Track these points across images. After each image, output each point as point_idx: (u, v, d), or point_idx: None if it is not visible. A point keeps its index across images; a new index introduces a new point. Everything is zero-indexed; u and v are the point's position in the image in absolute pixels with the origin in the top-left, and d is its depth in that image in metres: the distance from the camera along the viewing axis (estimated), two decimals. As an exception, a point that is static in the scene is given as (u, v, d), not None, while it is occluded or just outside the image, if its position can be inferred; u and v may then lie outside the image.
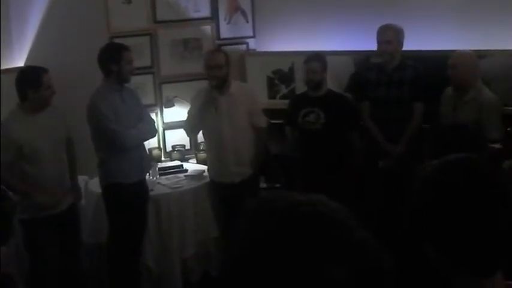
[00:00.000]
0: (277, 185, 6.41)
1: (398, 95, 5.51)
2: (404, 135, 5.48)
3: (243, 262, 1.09)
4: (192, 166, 6.36)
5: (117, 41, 5.74)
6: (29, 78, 4.83)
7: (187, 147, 6.69)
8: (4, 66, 6.08)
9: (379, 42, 5.54)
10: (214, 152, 5.65)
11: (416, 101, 5.48)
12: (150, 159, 5.91)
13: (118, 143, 5.08)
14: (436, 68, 5.44)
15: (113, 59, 5.07)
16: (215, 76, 5.43)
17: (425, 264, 1.59)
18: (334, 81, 6.12)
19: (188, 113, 5.73)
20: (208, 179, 5.86)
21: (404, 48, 5.60)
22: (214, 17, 6.72)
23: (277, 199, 1.15)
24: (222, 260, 1.18)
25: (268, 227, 1.09)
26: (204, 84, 5.80)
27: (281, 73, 6.64)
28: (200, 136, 6.35)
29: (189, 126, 5.80)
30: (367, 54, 5.98)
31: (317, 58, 5.61)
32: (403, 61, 5.55)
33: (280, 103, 6.32)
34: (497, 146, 4.58)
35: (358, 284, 1.05)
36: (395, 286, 1.11)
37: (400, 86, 5.51)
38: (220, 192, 5.62)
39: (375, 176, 5.58)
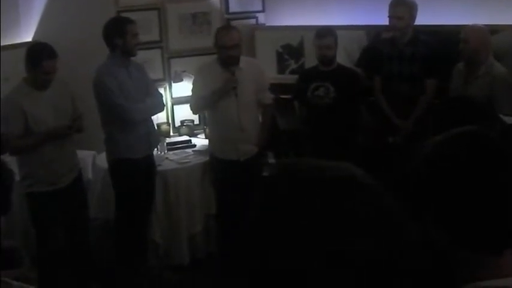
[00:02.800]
0: (286, 160, 6.39)
1: (409, 70, 5.43)
2: (415, 111, 5.41)
3: (262, 231, 1.03)
4: (200, 141, 6.34)
5: (125, 15, 5.69)
6: (42, 49, 4.80)
7: (196, 122, 6.66)
8: (12, 42, 6.07)
9: (390, 17, 5.45)
10: (221, 129, 5.51)
11: (429, 77, 5.40)
12: (157, 134, 5.86)
13: (125, 117, 5.06)
14: (449, 43, 5.36)
15: (118, 33, 5.03)
16: (233, 56, 5.31)
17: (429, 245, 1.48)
18: (346, 56, 6.06)
19: (193, 91, 5.57)
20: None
21: (417, 22, 5.50)
22: (223, -10, 6.67)
23: (300, 163, 1.09)
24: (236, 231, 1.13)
25: (290, 192, 1.03)
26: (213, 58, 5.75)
27: (290, 48, 6.59)
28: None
29: (197, 106, 5.65)
30: (378, 28, 5.90)
31: (330, 33, 5.55)
32: (416, 36, 5.46)
33: (290, 78, 6.27)
34: (510, 121, 4.53)
35: (385, 256, 1.00)
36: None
37: (411, 62, 5.43)
38: (224, 168, 5.51)
39: (384, 152, 5.53)
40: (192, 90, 5.58)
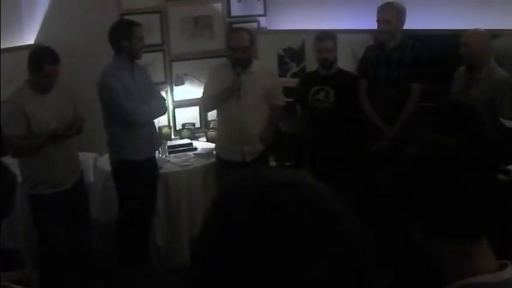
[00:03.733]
0: (287, 163, 6.40)
1: (396, 75, 5.41)
2: (401, 117, 5.40)
3: (209, 252, 0.98)
4: (201, 144, 6.36)
5: (127, 18, 5.72)
6: (45, 54, 4.82)
7: (197, 125, 6.69)
8: (14, 44, 6.10)
9: (378, 21, 5.46)
10: (227, 130, 5.56)
11: (414, 81, 5.38)
12: (160, 136, 5.89)
13: (129, 119, 5.08)
14: (449, 48, 5.37)
15: (124, 35, 5.04)
16: (239, 58, 5.33)
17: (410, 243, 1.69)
18: (352, 59, 6.08)
19: (204, 90, 5.62)
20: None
21: (417, 27, 5.53)
22: (225, -6, 6.69)
23: (253, 178, 1.03)
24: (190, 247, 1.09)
25: (238, 211, 0.97)
26: (215, 61, 5.77)
27: (292, 51, 6.61)
28: (210, 114, 6.34)
29: (206, 106, 5.75)
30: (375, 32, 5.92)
31: (330, 36, 5.57)
32: (403, 41, 5.45)
33: (291, 81, 6.30)
34: (510, 124, 4.55)
35: (337, 282, 0.94)
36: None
37: (398, 66, 5.41)
38: (227, 169, 5.49)
39: (369, 158, 5.51)
40: (204, 89, 5.64)
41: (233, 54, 5.35)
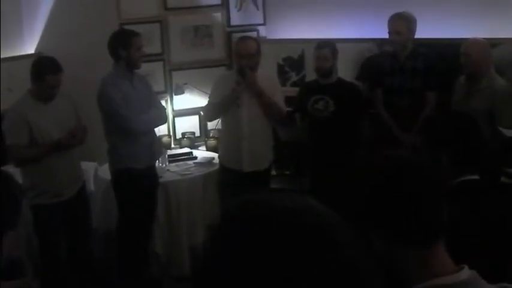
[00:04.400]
0: (287, 172, 6.42)
1: (410, 83, 5.45)
2: (417, 124, 5.41)
3: (213, 276, 0.97)
4: (201, 153, 6.37)
5: (128, 27, 5.73)
6: (47, 64, 4.85)
7: (197, 134, 6.70)
8: (15, 53, 6.12)
9: (389, 32, 5.48)
10: (230, 138, 5.57)
11: (429, 90, 5.43)
12: (160, 145, 5.91)
13: (128, 128, 5.09)
14: (449, 57, 5.40)
15: (123, 45, 5.06)
16: (246, 65, 5.33)
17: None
18: (351, 68, 6.11)
19: (209, 98, 5.64)
20: (217, 166, 5.84)
21: (417, 36, 5.54)
22: (224, 4, 6.71)
23: (256, 203, 1.02)
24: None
25: (240, 237, 0.97)
26: (215, 71, 5.79)
27: (291, 60, 6.63)
28: (210, 123, 6.36)
29: (208, 114, 5.79)
30: (378, 42, 5.94)
31: (328, 45, 5.59)
32: (416, 49, 5.49)
33: (291, 90, 6.30)
34: (510, 134, 4.56)
35: None
36: None
37: (412, 75, 5.45)
38: (230, 178, 5.53)
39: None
40: (209, 98, 5.66)
41: (239, 61, 5.38)
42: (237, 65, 5.44)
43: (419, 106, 5.43)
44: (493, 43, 5.28)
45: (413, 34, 5.48)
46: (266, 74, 5.83)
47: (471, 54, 5.04)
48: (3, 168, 4.61)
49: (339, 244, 0.96)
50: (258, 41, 5.59)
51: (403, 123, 5.47)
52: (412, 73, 5.45)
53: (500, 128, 4.63)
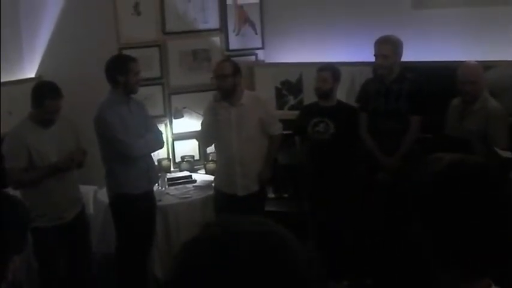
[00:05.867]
0: (285, 195, 6.43)
1: (395, 107, 5.45)
2: (400, 149, 5.44)
3: None
4: (200, 177, 6.39)
5: (127, 52, 5.79)
6: (47, 89, 4.89)
7: (196, 157, 6.73)
8: (15, 77, 6.16)
9: (376, 55, 5.49)
10: (223, 163, 5.61)
11: (413, 113, 5.43)
12: (157, 170, 5.91)
13: (125, 153, 5.11)
14: (443, 79, 5.43)
15: (120, 71, 5.10)
16: (220, 86, 5.40)
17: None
18: (349, 92, 6.15)
19: (201, 124, 5.69)
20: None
21: (411, 59, 5.59)
22: (223, 28, 6.77)
23: (220, 226, 1.07)
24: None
25: (200, 261, 1.01)
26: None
27: (289, 84, 6.67)
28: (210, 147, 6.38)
29: (202, 139, 5.85)
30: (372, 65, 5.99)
31: (329, 68, 5.63)
32: (402, 73, 5.49)
33: (289, 114, 6.33)
34: (506, 154, 4.59)
35: None
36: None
37: (398, 98, 5.44)
38: (224, 202, 5.54)
39: (374, 188, 5.55)
40: (201, 124, 5.71)
41: (216, 82, 5.44)
42: (216, 85, 5.48)
43: (404, 129, 5.44)
44: (486, 65, 5.32)
45: (400, 57, 5.49)
46: (254, 94, 5.89)
47: (467, 77, 5.06)
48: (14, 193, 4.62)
49: (294, 266, 1.01)
50: (235, 63, 5.59)
51: (388, 145, 5.48)
52: (398, 96, 5.45)
53: (496, 149, 4.66)
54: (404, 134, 5.44)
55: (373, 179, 5.52)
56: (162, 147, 5.69)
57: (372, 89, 5.62)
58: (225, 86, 5.39)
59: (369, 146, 5.57)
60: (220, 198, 5.61)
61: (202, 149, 6.61)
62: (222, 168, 5.63)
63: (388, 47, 5.44)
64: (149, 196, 5.43)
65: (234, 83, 5.41)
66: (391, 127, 5.46)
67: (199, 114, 6.25)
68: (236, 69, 5.46)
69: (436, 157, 1.61)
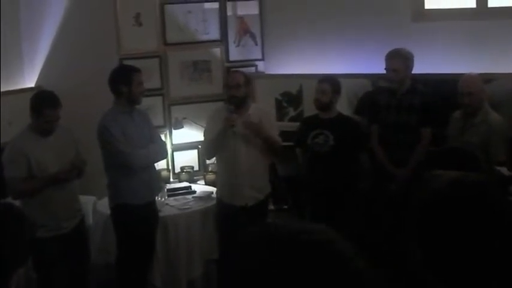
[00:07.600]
0: (285, 207, 6.42)
1: (407, 119, 5.47)
2: (411, 160, 5.44)
3: None
4: (200, 187, 6.38)
5: (127, 62, 5.80)
6: (45, 98, 4.90)
7: (196, 168, 6.72)
8: (15, 87, 6.16)
9: (386, 69, 5.51)
10: (228, 174, 5.55)
11: (424, 126, 5.46)
12: (159, 181, 5.90)
13: (128, 163, 5.10)
14: (444, 92, 5.44)
15: (124, 81, 5.10)
16: (233, 96, 5.40)
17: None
18: (348, 103, 6.15)
19: (205, 134, 5.66)
20: (215, 200, 5.81)
21: (413, 71, 5.59)
22: (223, 39, 6.77)
23: (273, 227, 1.10)
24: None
25: (262, 256, 1.05)
26: (213, 105, 5.82)
27: (289, 95, 6.66)
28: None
29: (207, 151, 5.78)
30: (374, 78, 6.00)
31: (329, 80, 5.62)
32: (413, 86, 5.51)
33: (289, 125, 6.33)
34: (504, 170, 4.58)
35: None
36: None
37: (409, 111, 5.47)
38: (228, 213, 5.50)
39: (384, 199, 5.55)
40: (203, 135, 5.68)
41: (229, 92, 5.44)
42: (227, 95, 5.50)
43: (415, 142, 5.46)
44: (487, 78, 5.33)
45: (411, 71, 5.50)
46: (260, 107, 5.88)
47: (468, 90, 5.08)
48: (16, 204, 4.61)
49: (347, 257, 1.05)
50: (246, 74, 5.63)
51: (399, 158, 5.49)
52: (409, 109, 5.47)
53: (497, 168, 4.64)
54: (414, 147, 5.45)
55: (381, 191, 5.52)
56: (165, 157, 5.70)
57: (382, 101, 5.62)
58: (238, 95, 5.39)
59: (380, 158, 5.59)
60: (223, 210, 5.59)
61: (204, 159, 6.59)
62: (226, 179, 5.58)
63: (398, 61, 5.45)
64: (151, 207, 5.42)
65: (245, 93, 5.44)
66: (402, 139, 5.48)
67: (199, 124, 6.25)
68: (248, 80, 5.51)
69: (435, 175, 1.63)
